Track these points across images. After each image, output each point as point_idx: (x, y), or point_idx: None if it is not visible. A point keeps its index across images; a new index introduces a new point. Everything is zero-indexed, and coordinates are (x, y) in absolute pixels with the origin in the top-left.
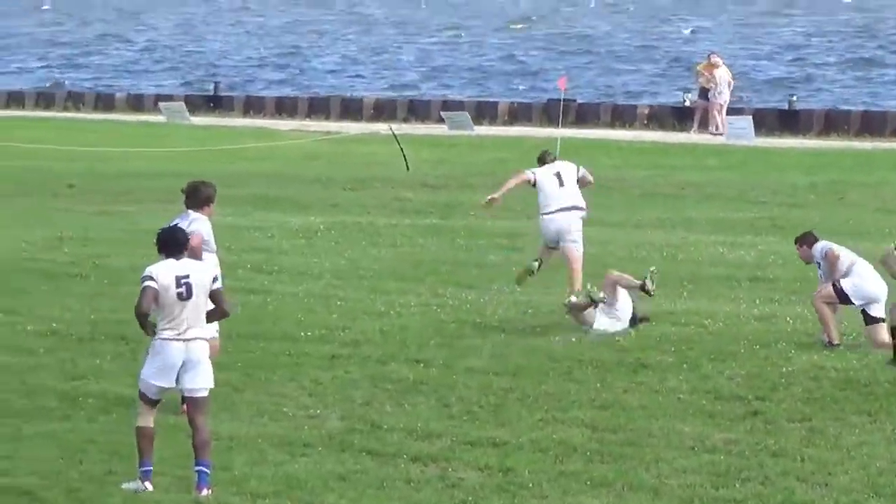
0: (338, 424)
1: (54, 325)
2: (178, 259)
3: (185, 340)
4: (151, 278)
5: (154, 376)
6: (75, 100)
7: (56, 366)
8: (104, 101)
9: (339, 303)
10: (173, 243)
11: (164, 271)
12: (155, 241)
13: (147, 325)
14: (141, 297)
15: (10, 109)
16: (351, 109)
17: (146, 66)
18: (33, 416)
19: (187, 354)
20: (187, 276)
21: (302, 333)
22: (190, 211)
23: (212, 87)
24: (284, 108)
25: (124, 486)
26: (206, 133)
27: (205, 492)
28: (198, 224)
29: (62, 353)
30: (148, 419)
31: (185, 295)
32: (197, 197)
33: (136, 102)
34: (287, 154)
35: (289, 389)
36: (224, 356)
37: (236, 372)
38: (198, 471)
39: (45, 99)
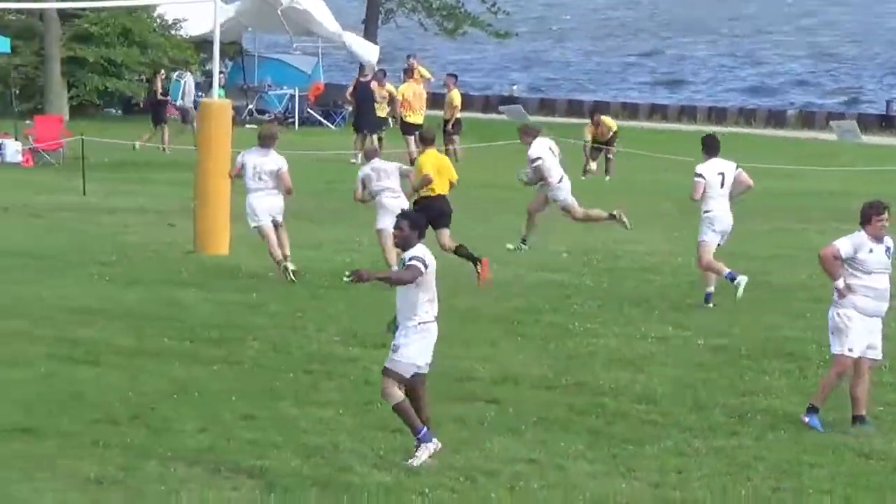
0: None
1: (724, 340)
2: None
3: (437, 320)
4: (425, 263)
5: (418, 357)
6: (746, 115)
7: (725, 381)
8: (775, 118)
9: None
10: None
11: (431, 256)
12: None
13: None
14: (411, 272)
15: (681, 124)
16: None
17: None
18: (703, 431)
19: (437, 334)
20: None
21: None
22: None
23: (884, 105)
24: None
25: (415, 462)
26: (879, 153)
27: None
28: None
29: (731, 369)
30: (401, 393)
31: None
32: (861, 214)
33: (807, 119)
34: None
35: None
36: None
37: None
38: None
39: (716, 114)
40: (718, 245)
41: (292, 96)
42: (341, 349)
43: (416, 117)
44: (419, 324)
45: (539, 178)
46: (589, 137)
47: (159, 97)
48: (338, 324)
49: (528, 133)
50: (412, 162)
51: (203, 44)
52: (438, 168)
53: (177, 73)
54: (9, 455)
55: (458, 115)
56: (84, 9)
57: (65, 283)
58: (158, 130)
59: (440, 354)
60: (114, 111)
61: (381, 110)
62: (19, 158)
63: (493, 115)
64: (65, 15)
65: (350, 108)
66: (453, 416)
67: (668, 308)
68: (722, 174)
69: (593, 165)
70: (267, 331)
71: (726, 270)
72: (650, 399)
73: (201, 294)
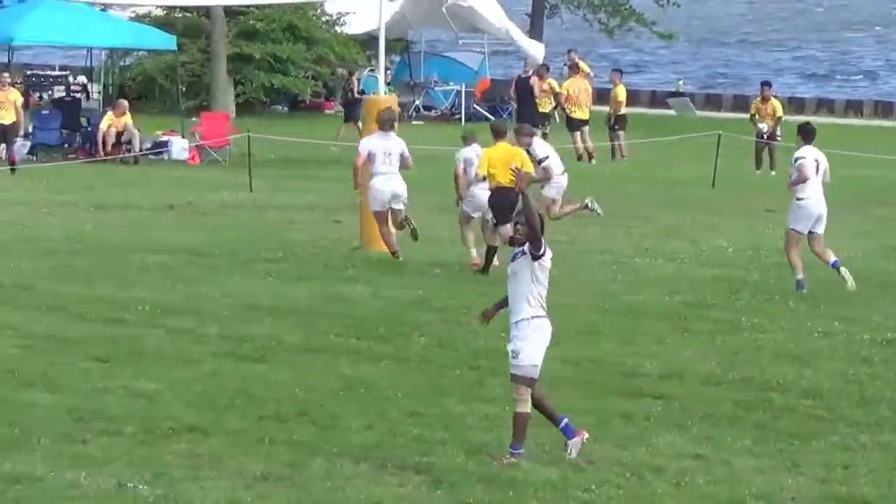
0: None
1: (889, 334)
2: None
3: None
4: (546, 247)
5: (537, 356)
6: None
7: (891, 376)
8: None
9: None
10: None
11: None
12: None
13: None
14: (540, 231)
15: (847, 118)
16: None
17: None
18: (870, 426)
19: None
20: None
21: None
22: None
23: None
24: None
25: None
26: None
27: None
28: None
29: None
30: (529, 407)
31: None
32: None
33: None
34: None
35: None
36: None
37: None
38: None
39: (882, 108)
40: (811, 233)
41: (459, 92)
42: (507, 345)
43: (581, 113)
44: (533, 317)
45: (545, 177)
46: (754, 111)
47: (355, 95)
48: (503, 320)
49: (525, 133)
50: (579, 157)
51: (369, 40)
52: (504, 161)
53: (370, 68)
54: (175, 454)
55: (623, 110)
56: (250, 5)
57: (231, 280)
58: (352, 127)
59: (607, 351)
60: (280, 108)
61: (545, 105)
62: (186, 155)
63: (660, 110)
64: (231, 12)
65: (515, 105)
66: (620, 412)
67: (834, 302)
68: (817, 161)
69: (763, 126)
70: (433, 326)
71: (801, 275)
72: (816, 394)
73: (368, 290)
